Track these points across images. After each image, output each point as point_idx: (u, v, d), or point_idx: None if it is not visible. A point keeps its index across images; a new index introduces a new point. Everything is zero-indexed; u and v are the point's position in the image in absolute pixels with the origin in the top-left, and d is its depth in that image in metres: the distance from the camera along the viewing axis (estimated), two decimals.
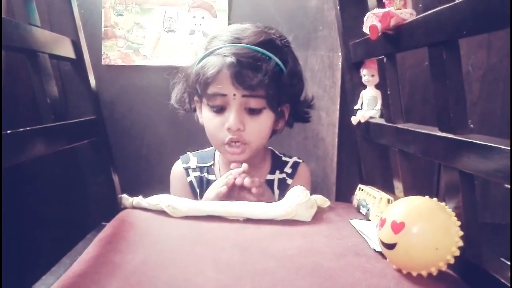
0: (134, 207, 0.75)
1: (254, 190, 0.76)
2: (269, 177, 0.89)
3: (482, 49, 1.15)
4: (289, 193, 0.74)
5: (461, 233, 0.48)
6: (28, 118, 1.13)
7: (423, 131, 0.58)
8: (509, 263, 0.48)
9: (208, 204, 0.73)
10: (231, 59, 0.74)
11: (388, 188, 0.74)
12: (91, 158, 0.84)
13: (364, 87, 0.79)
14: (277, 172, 0.90)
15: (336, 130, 1.18)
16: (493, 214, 1.16)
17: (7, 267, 1.01)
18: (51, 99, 0.66)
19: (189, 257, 0.55)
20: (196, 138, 0.94)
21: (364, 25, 0.68)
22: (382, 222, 0.52)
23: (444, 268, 0.49)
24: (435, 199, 0.52)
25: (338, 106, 1.17)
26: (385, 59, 0.68)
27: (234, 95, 0.76)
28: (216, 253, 0.56)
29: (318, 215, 0.73)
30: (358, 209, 0.77)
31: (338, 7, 0.84)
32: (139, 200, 0.75)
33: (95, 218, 0.76)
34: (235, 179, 0.77)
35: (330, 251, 0.58)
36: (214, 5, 1.16)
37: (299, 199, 0.70)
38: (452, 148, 0.51)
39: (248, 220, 0.70)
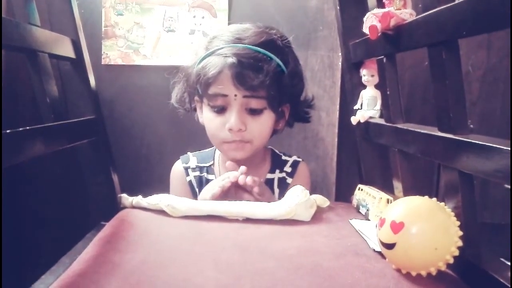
0: (133, 207, 0.75)
1: (256, 189, 0.76)
2: (269, 176, 0.89)
3: (482, 49, 1.15)
4: (289, 193, 0.74)
5: (461, 233, 0.48)
6: (28, 117, 1.13)
7: (422, 131, 0.58)
8: (509, 263, 0.48)
9: (207, 203, 0.73)
10: (232, 60, 0.74)
11: (387, 188, 0.74)
12: (91, 157, 0.84)
13: (364, 87, 0.79)
14: (277, 171, 0.90)
15: (336, 130, 1.18)
16: (492, 214, 1.16)
17: (7, 267, 1.02)
18: (51, 98, 0.66)
19: (189, 257, 0.55)
20: (196, 138, 0.94)
21: (364, 25, 0.68)
22: (382, 222, 0.52)
23: (443, 268, 0.49)
24: (434, 199, 0.52)
25: (338, 106, 1.17)
26: (384, 59, 0.68)
27: (235, 95, 0.76)
28: (215, 253, 0.56)
29: (318, 215, 0.73)
30: (357, 209, 0.77)
31: (338, 7, 0.84)
32: (138, 199, 0.75)
33: (95, 218, 0.76)
34: (231, 182, 0.77)
35: (330, 251, 0.58)
36: (214, 5, 1.16)
37: (298, 199, 0.70)
38: (451, 148, 0.51)
39: (247, 220, 0.70)
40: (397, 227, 0.49)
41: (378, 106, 0.77)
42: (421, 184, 1.10)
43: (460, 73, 0.52)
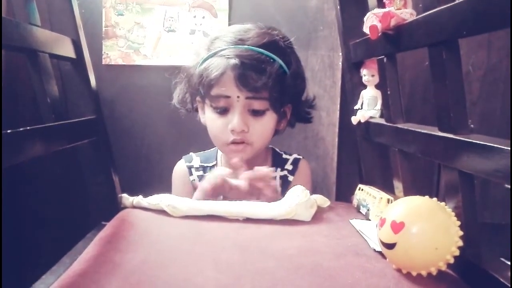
0: (134, 207, 0.75)
1: (273, 183, 0.77)
2: None
3: (483, 49, 1.15)
4: (289, 193, 0.74)
5: (461, 233, 0.48)
6: (28, 117, 1.13)
7: (423, 131, 0.58)
8: (509, 263, 0.48)
9: (208, 203, 0.73)
10: (235, 61, 0.74)
11: (388, 188, 0.74)
12: (91, 157, 0.84)
13: (364, 87, 0.79)
14: (278, 169, 0.90)
15: (336, 130, 1.18)
16: (492, 214, 1.16)
17: (7, 267, 1.02)
18: (51, 98, 0.66)
19: (189, 257, 0.55)
20: (197, 138, 0.94)
21: (364, 25, 0.68)
22: (382, 222, 0.52)
23: (443, 268, 0.49)
24: (434, 199, 0.52)
25: (338, 106, 1.17)
26: (385, 59, 0.68)
27: (238, 97, 0.76)
28: (216, 253, 0.56)
29: (318, 215, 0.73)
30: (358, 209, 0.77)
31: (338, 7, 0.84)
32: (139, 199, 0.75)
33: (95, 218, 0.75)
34: (221, 179, 0.77)
35: (330, 250, 0.58)
36: (215, 5, 1.16)
37: (299, 199, 0.70)
38: (452, 148, 0.51)
39: (248, 220, 0.70)
40: (397, 227, 0.49)
41: (379, 106, 0.77)
42: (421, 184, 1.10)
43: (460, 73, 0.52)
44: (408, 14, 0.60)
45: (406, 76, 1.16)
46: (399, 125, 0.67)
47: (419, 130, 0.60)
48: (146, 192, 0.77)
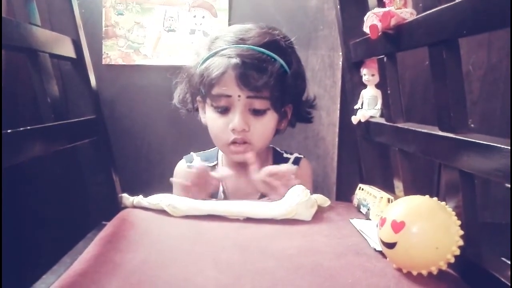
0: (134, 207, 0.75)
1: (293, 182, 0.76)
2: None
3: (483, 48, 1.15)
4: (290, 192, 0.74)
5: (461, 232, 0.48)
6: (28, 117, 1.13)
7: (423, 130, 0.58)
8: (509, 263, 0.48)
9: (208, 203, 0.73)
10: (236, 60, 0.74)
11: (388, 187, 0.74)
12: (91, 157, 0.84)
13: (365, 86, 0.79)
14: None
15: (337, 130, 1.17)
16: (493, 213, 1.16)
17: (7, 267, 1.01)
18: (52, 98, 0.66)
19: (189, 257, 0.55)
20: (197, 138, 0.94)
21: (364, 25, 0.68)
22: (382, 222, 0.52)
23: (444, 267, 0.49)
24: (435, 198, 0.52)
25: (338, 106, 1.17)
26: (385, 59, 0.68)
27: (239, 96, 0.76)
28: (216, 253, 0.56)
29: (319, 215, 0.73)
30: (358, 209, 0.77)
31: (339, 7, 0.84)
32: (139, 199, 0.75)
33: (96, 218, 0.76)
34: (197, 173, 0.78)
35: (330, 250, 0.58)
36: (215, 5, 1.16)
37: (299, 199, 0.70)
38: (452, 147, 0.51)
39: (248, 220, 0.70)
40: (398, 226, 0.49)
41: (379, 106, 0.77)
42: (421, 184, 1.10)
43: (460, 72, 0.52)
44: (408, 14, 0.60)
45: (406, 75, 1.16)
46: (399, 125, 0.67)
47: (419, 129, 0.60)
48: (147, 192, 0.77)
